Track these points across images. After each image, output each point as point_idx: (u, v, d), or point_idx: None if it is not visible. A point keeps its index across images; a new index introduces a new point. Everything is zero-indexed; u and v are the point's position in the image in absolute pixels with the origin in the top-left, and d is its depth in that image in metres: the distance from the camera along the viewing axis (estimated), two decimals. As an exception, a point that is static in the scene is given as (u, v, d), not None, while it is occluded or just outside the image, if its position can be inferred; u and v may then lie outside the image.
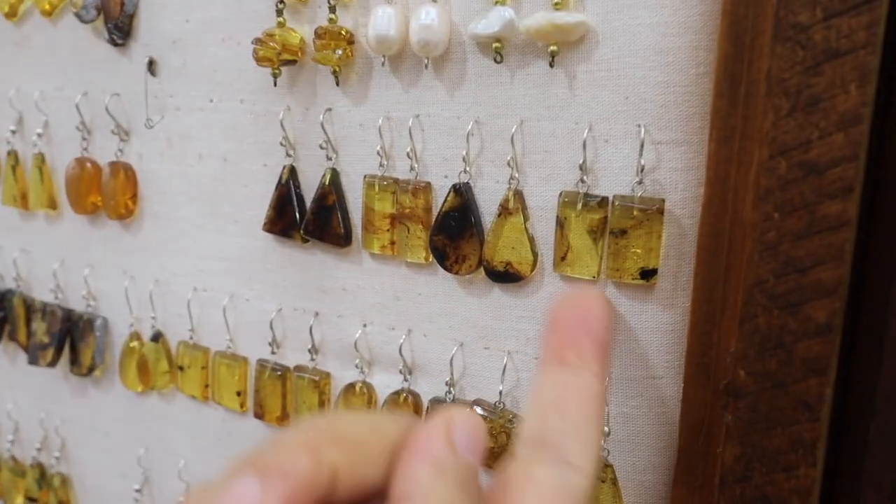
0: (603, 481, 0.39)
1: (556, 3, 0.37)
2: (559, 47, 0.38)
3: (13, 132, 0.59)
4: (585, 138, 0.38)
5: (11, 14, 0.57)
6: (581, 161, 0.38)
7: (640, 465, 0.40)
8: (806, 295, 0.33)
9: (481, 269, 0.41)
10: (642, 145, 0.37)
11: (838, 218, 0.32)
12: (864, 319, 0.35)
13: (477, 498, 0.26)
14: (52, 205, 0.58)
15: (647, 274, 0.37)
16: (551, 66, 0.38)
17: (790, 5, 0.32)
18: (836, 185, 0.32)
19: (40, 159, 0.58)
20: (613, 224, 0.38)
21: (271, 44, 0.44)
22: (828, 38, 0.31)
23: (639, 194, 0.37)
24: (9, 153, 0.59)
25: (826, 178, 0.32)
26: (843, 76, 0.31)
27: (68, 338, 0.59)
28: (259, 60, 0.45)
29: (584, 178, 0.38)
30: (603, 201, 0.38)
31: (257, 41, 0.45)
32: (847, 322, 0.34)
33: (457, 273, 0.42)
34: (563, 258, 0.39)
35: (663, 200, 0.37)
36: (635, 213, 0.37)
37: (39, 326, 0.59)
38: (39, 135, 0.58)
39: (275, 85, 0.46)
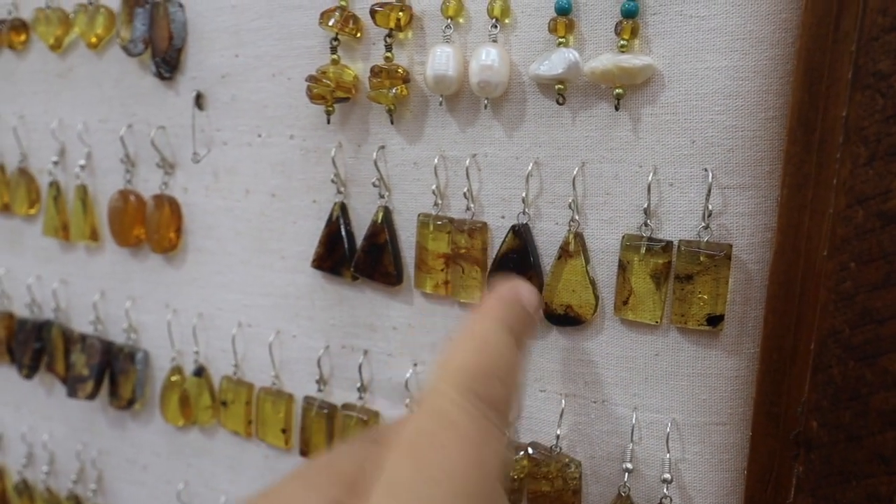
0: (665, 530, 0.39)
1: (622, 46, 0.37)
2: (624, 90, 0.37)
3: (55, 163, 0.59)
4: (650, 182, 0.37)
5: (56, 46, 0.57)
6: (645, 204, 0.38)
7: (703, 513, 0.39)
8: (884, 346, 0.33)
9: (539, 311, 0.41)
10: (709, 189, 0.36)
11: (918, 269, 0.31)
12: (940, 370, 0.35)
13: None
14: (94, 236, 0.58)
15: (714, 320, 0.37)
16: (616, 108, 0.38)
17: (870, 53, 0.31)
18: (917, 235, 0.31)
19: (83, 191, 0.57)
20: (679, 269, 0.37)
21: (325, 81, 0.44)
22: (909, 86, 0.31)
23: (705, 239, 0.37)
24: (51, 184, 0.59)
25: (905, 227, 0.31)
26: (925, 126, 0.31)
27: (108, 370, 0.58)
28: (313, 98, 0.44)
29: (648, 221, 0.38)
30: (667, 246, 0.37)
31: (311, 78, 0.44)
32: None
33: (514, 315, 0.41)
34: (624, 302, 0.39)
35: (731, 246, 0.36)
36: (702, 258, 0.36)
37: (79, 358, 0.59)
38: (82, 166, 0.58)
39: (328, 122, 0.46)
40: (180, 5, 0.51)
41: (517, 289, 0.35)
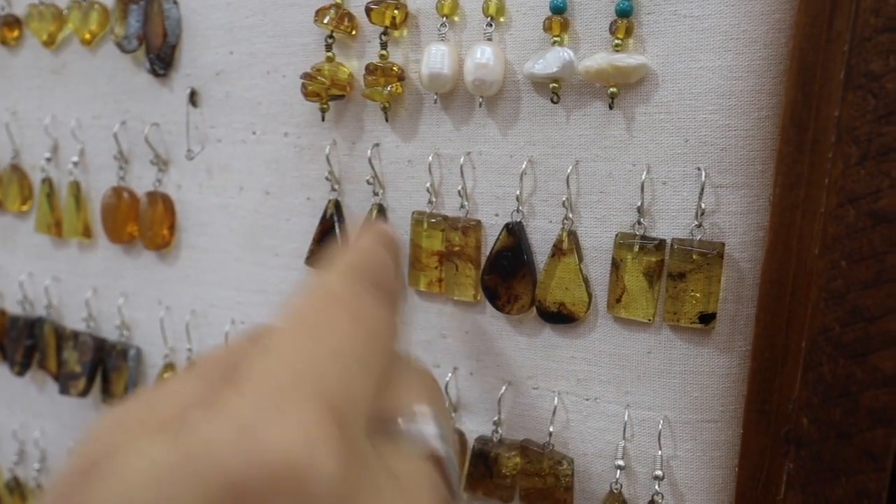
0: (657, 526, 0.39)
1: (617, 45, 0.37)
2: (619, 89, 0.37)
3: (48, 160, 0.59)
4: (643, 180, 0.38)
5: (50, 42, 0.57)
6: (638, 203, 0.38)
7: (694, 510, 0.39)
8: (874, 344, 0.33)
9: (532, 308, 0.41)
10: (703, 188, 0.36)
11: (909, 267, 0.32)
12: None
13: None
14: (87, 233, 0.58)
15: (706, 318, 0.37)
16: (611, 107, 0.38)
17: (863, 53, 0.32)
18: (907, 234, 0.32)
19: (76, 187, 0.57)
20: (672, 267, 0.37)
21: (320, 78, 0.44)
22: (901, 87, 0.31)
23: (698, 238, 0.37)
24: (43, 181, 0.59)
25: (895, 227, 0.32)
26: (916, 126, 0.31)
27: (100, 367, 0.58)
28: (308, 95, 0.44)
29: (641, 220, 0.38)
30: (660, 244, 0.38)
31: (306, 76, 0.44)
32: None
33: (508, 312, 0.42)
34: (618, 300, 0.39)
35: (723, 244, 0.36)
36: (694, 256, 0.37)
37: (71, 356, 0.59)
38: (75, 163, 0.58)
39: (322, 119, 0.46)
40: (175, 2, 0.51)
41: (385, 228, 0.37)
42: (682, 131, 0.37)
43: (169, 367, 0.56)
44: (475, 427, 0.44)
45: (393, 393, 0.29)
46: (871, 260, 0.32)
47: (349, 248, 0.32)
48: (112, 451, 0.21)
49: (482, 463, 0.43)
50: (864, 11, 0.31)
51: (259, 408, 0.22)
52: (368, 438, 0.25)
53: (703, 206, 0.37)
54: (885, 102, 0.31)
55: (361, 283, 0.29)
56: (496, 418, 0.43)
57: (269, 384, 0.23)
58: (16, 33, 0.59)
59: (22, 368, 0.63)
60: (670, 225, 0.38)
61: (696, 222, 0.37)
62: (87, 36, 0.54)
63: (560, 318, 0.40)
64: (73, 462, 0.22)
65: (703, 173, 0.36)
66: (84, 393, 0.59)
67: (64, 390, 0.59)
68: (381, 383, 0.27)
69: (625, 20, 0.37)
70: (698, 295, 0.37)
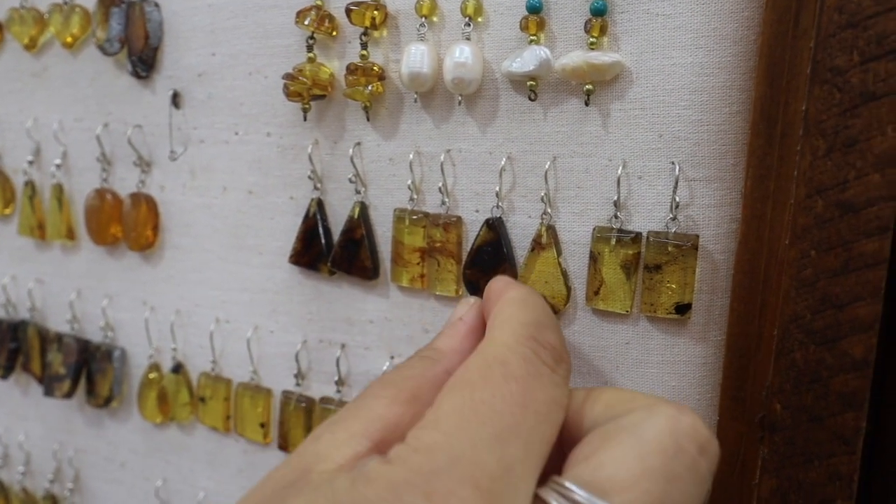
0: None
1: (592, 43, 0.38)
2: (594, 86, 0.38)
3: (30, 163, 0.59)
4: (619, 175, 0.39)
5: (31, 45, 0.57)
6: (615, 197, 0.39)
7: (673, 496, 0.40)
8: (843, 331, 0.34)
9: (513, 302, 0.42)
10: (677, 182, 0.37)
11: (875, 256, 0.33)
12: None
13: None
14: (70, 235, 0.58)
15: (682, 309, 0.38)
16: (587, 104, 0.39)
17: (828, 49, 0.33)
18: (873, 223, 0.33)
19: (59, 190, 0.58)
20: (648, 259, 0.38)
21: (302, 79, 0.45)
22: (865, 81, 0.32)
23: (673, 230, 0.38)
24: (26, 183, 0.59)
25: (862, 217, 0.33)
26: (880, 118, 0.32)
27: (85, 369, 0.59)
28: (290, 95, 0.45)
29: (618, 213, 0.39)
30: (637, 237, 0.38)
31: (288, 76, 0.45)
32: (878, 356, 0.35)
33: (488, 306, 0.42)
34: (595, 292, 0.40)
35: (697, 236, 0.37)
36: (670, 248, 0.38)
37: (55, 357, 0.59)
38: (58, 165, 0.58)
39: (304, 119, 0.46)
40: (156, 5, 0.51)
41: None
42: (656, 127, 0.38)
43: (154, 367, 0.56)
44: (458, 420, 0.45)
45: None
46: (840, 249, 0.33)
47: (507, 300, 0.34)
48: (309, 470, 0.28)
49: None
50: (829, 8, 0.32)
51: (410, 484, 0.25)
52: None
53: (677, 199, 0.38)
54: (850, 96, 0.32)
55: (531, 345, 0.30)
56: (479, 411, 0.44)
57: (426, 464, 0.25)
58: (-4, 37, 0.60)
59: (5, 371, 0.63)
60: (646, 218, 0.39)
61: (671, 215, 0.38)
62: (69, 39, 0.55)
63: (540, 311, 0.41)
64: (282, 469, 0.29)
65: (677, 167, 0.37)
66: (69, 395, 0.59)
67: (49, 392, 0.60)
68: (546, 457, 0.28)
69: (599, 19, 0.38)
70: (674, 286, 0.38)
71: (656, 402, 0.29)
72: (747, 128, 0.36)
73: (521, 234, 0.42)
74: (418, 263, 0.44)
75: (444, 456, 0.25)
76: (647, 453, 0.27)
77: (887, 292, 0.34)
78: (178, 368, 0.55)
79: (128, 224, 0.54)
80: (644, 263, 0.38)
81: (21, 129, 0.60)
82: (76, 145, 0.57)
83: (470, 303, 0.38)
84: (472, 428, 0.26)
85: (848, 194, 0.33)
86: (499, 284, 0.36)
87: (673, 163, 0.38)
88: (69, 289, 0.60)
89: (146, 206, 0.54)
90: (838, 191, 0.33)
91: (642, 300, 0.39)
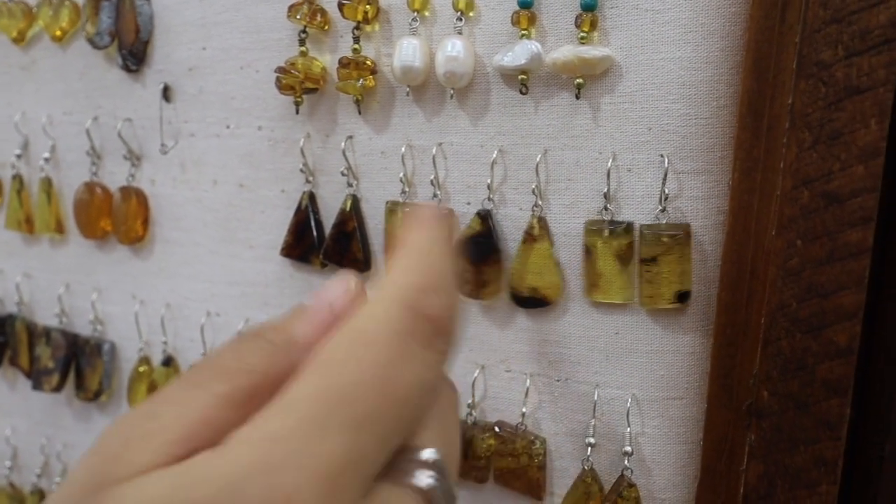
0: (627, 500, 0.40)
1: (582, 38, 0.39)
2: (584, 80, 0.39)
3: (18, 156, 0.59)
4: (609, 167, 0.39)
5: (19, 39, 0.57)
6: (605, 189, 0.39)
7: (662, 483, 0.41)
8: (828, 319, 0.35)
9: (503, 293, 0.43)
10: (666, 175, 0.38)
11: (859, 245, 0.34)
12: (880, 342, 0.37)
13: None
14: (59, 229, 0.58)
15: (683, 296, 0.39)
16: (577, 98, 0.39)
17: (813, 44, 0.33)
18: (857, 214, 0.34)
19: (47, 183, 0.58)
20: (644, 253, 0.39)
21: (294, 72, 0.45)
22: (849, 75, 0.33)
23: (663, 222, 0.39)
24: (13, 177, 0.59)
25: (846, 207, 0.34)
26: (864, 112, 0.33)
27: (74, 362, 0.59)
28: (282, 89, 0.45)
29: (608, 205, 0.40)
30: (629, 226, 0.39)
31: (280, 70, 0.45)
32: (863, 344, 0.36)
33: (477, 298, 0.43)
34: (594, 285, 0.40)
35: (689, 225, 0.38)
36: (664, 239, 0.38)
37: (44, 351, 0.59)
38: (46, 159, 0.58)
39: (297, 113, 0.47)
40: (147, -2, 0.52)
41: (436, 208, 0.36)
42: (645, 120, 0.38)
43: (144, 360, 0.56)
44: (450, 410, 0.46)
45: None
46: (825, 238, 0.34)
47: (404, 251, 0.29)
48: (114, 479, 0.23)
49: (457, 445, 0.44)
50: (814, 4, 0.33)
51: (253, 467, 0.22)
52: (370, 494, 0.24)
53: (666, 191, 0.38)
54: (835, 90, 0.33)
55: (411, 331, 0.26)
56: (470, 401, 0.45)
57: (268, 456, 0.23)
58: (-17, 31, 0.59)
59: (-7, 366, 0.63)
60: (635, 210, 0.39)
61: (661, 207, 0.39)
62: (58, 33, 0.55)
63: (533, 302, 0.42)
64: (80, 476, 0.24)
65: (666, 160, 0.38)
66: (58, 388, 0.59)
67: (37, 386, 0.59)
68: (402, 439, 0.26)
69: (589, 14, 0.38)
70: (673, 276, 0.38)
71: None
72: (734, 121, 0.37)
73: (512, 225, 0.42)
74: (410, 255, 0.45)
75: (289, 446, 0.23)
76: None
77: (871, 281, 0.34)
78: (168, 362, 0.55)
79: (118, 218, 0.55)
80: (640, 257, 0.39)
81: (9, 123, 0.60)
82: (65, 139, 0.57)
83: (347, 286, 0.30)
84: (322, 416, 0.24)
85: (833, 185, 0.34)
86: (414, 220, 0.31)
87: (662, 155, 0.38)
88: (57, 283, 0.60)
89: (136, 199, 0.54)
90: (823, 182, 0.34)
91: (643, 293, 0.39)
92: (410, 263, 0.29)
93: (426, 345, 0.27)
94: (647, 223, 0.39)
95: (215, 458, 0.23)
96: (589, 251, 0.40)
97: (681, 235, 0.38)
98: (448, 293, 0.28)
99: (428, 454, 0.26)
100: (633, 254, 0.39)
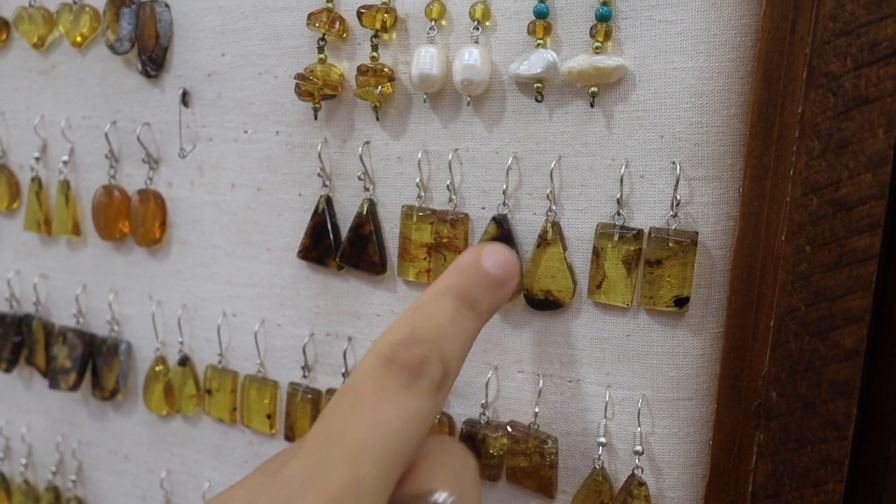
0: (637, 499, 0.41)
1: (597, 48, 0.40)
2: (599, 88, 0.40)
3: (37, 159, 0.60)
4: (622, 174, 0.40)
5: (39, 44, 0.58)
6: (618, 195, 0.40)
7: (671, 482, 0.42)
8: (836, 322, 0.36)
9: (518, 297, 0.44)
10: (677, 181, 0.39)
11: (866, 251, 0.35)
12: (886, 345, 0.38)
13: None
14: (77, 231, 0.59)
15: (681, 302, 0.40)
16: (592, 106, 0.40)
17: (823, 55, 0.34)
18: (865, 221, 0.35)
19: (65, 186, 0.59)
20: (649, 255, 0.40)
21: (313, 79, 0.46)
22: (857, 86, 0.34)
23: (673, 227, 0.40)
24: (33, 179, 0.60)
25: (854, 214, 0.35)
26: (872, 121, 0.34)
27: (90, 361, 0.60)
28: (302, 95, 0.46)
29: (621, 211, 0.41)
30: (638, 234, 0.40)
31: (300, 76, 0.46)
32: (869, 347, 0.37)
33: (494, 300, 0.44)
34: (598, 286, 0.41)
35: (697, 233, 0.39)
36: (670, 244, 0.39)
37: (61, 351, 0.60)
38: (65, 162, 0.59)
39: (315, 118, 0.48)
40: (167, 5, 0.53)
41: (478, 254, 0.38)
42: (657, 128, 0.39)
43: (160, 360, 0.57)
44: (463, 410, 0.47)
45: (420, 476, 0.32)
46: (833, 244, 0.35)
47: (419, 300, 0.35)
48: None
49: (470, 445, 0.45)
50: (824, 17, 0.34)
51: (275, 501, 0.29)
52: None
53: (677, 197, 0.39)
54: (844, 100, 0.34)
55: (386, 369, 0.32)
56: (483, 401, 0.46)
57: (285, 488, 0.29)
58: (3, 36, 0.60)
59: (9, 365, 0.64)
60: (647, 215, 0.40)
61: (672, 212, 0.40)
62: (78, 38, 0.56)
63: (547, 304, 0.43)
64: None
65: (678, 167, 0.39)
66: (74, 387, 0.60)
67: (54, 385, 0.60)
68: (402, 473, 0.31)
69: (604, 24, 0.39)
70: (673, 280, 0.40)
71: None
72: (745, 129, 0.38)
73: (526, 230, 0.43)
74: (425, 258, 0.46)
75: (301, 479, 0.29)
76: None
77: (878, 286, 0.35)
78: (184, 361, 0.56)
79: (135, 220, 0.56)
80: (645, 258, 0.40)
81: (28, 126, 0.61)
82: (84, 142, 0.58)
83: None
84: (323, 450, 0.29)
85: (841, 193, 0.35)
86: (450, 267, 0.38)
87: (674, 162, 0.39)
88: (74, 284, 0.61)
89: (154, 202, 0.55)
90: (832, 189, 0.35)
91: (642, 293, 0.40)
92: (402, 317, 0.34)
93: (406, 385, 0.31)
94: (657, 227, 0.40)
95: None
96: (598, 253, 0.41)
97: (687, 242, 0.39)
98: (431, 343, 0.33)
99: (443, 497, 0.31)
100: (640, 260, 0.40)
